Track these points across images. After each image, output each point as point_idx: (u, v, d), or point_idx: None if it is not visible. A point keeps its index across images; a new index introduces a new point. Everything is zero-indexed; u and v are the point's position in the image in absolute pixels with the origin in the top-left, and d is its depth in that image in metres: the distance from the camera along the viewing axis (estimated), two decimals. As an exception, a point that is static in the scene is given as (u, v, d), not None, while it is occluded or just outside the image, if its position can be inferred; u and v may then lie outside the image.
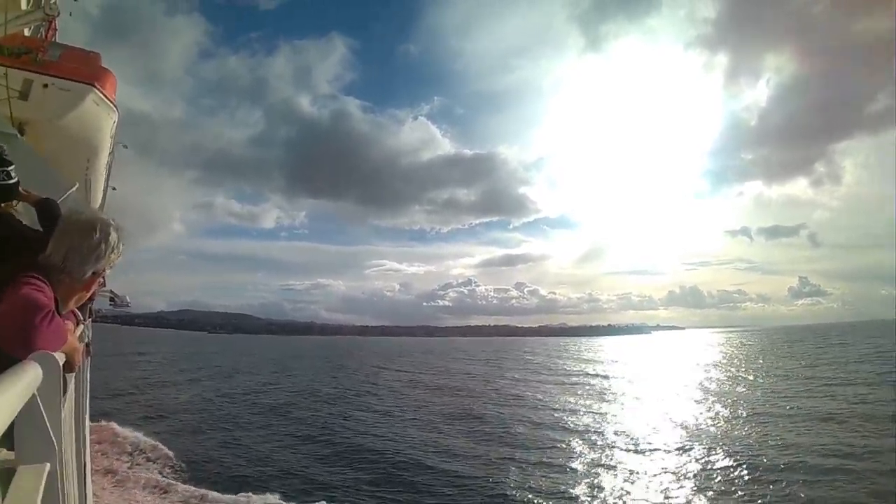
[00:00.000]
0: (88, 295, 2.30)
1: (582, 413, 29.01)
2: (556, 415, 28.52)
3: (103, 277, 2.32)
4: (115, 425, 22.17)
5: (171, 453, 19.64)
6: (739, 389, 37.10)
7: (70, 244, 2.06)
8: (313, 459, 20.09)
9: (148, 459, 18.84)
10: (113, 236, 2.15)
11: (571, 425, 25.56)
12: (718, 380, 44.47)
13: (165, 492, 15.89)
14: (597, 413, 29.02)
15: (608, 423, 26.11)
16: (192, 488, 16.34)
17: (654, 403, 32.04)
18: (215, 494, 15.89)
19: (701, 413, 27.97)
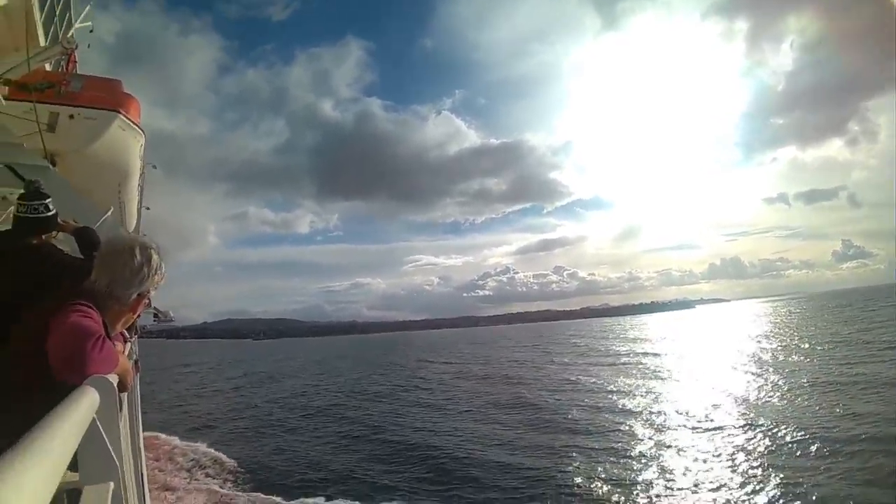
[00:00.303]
0: (135, 316, 2.37)
1: (638, 394, 28.33)
2: (611, 397, 27.80)
3: (149, 298, 2.31)
4: (168, 437, 22.69)
5: (229, 461, 19.91)
6: (796, 358, 35.87)
7: (113, 269, 2.11)
8: (371, 459, 19.99)
9: (207, 474, 18.97)
10: (155, 258, 2.20)
11: (630, 407, 24.88)
12: (773, 350, 43.08)
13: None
14: (654, 393, 28.35)
15: (667, 402, 25.42)
16: (257, 495, 16.56)
17: (711, 379, 31.07)
18: (277, 500, 16.07)
19: (761, 386, 27.07)
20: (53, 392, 1.51)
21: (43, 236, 3.01)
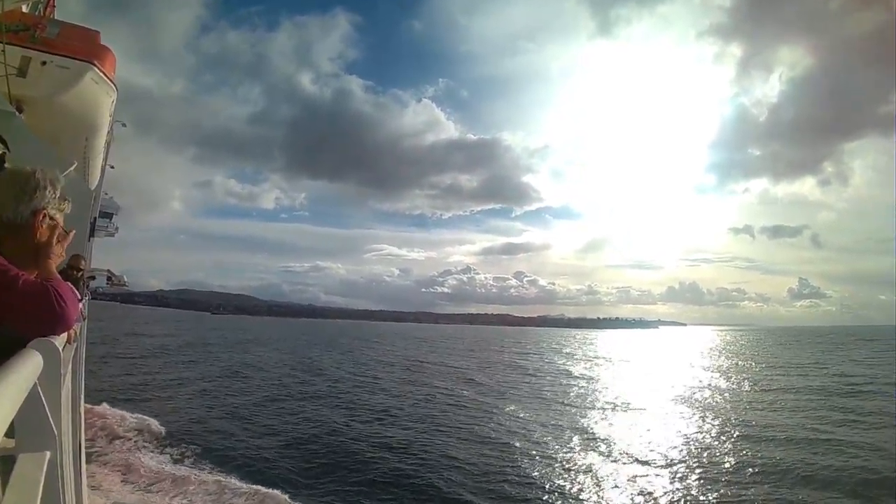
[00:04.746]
0: (46, 240, 1.98)
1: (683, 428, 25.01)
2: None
3: (62, 227, 2.06)
4: (109, 408, 21.79)
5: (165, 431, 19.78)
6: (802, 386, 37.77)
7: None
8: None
9: (142, 442, 18.76)
10: (39, 175, 1.95)
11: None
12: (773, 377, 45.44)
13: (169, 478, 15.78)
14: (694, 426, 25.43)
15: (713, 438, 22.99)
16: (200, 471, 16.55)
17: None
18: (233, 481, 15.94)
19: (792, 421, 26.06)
20: None
21: None
